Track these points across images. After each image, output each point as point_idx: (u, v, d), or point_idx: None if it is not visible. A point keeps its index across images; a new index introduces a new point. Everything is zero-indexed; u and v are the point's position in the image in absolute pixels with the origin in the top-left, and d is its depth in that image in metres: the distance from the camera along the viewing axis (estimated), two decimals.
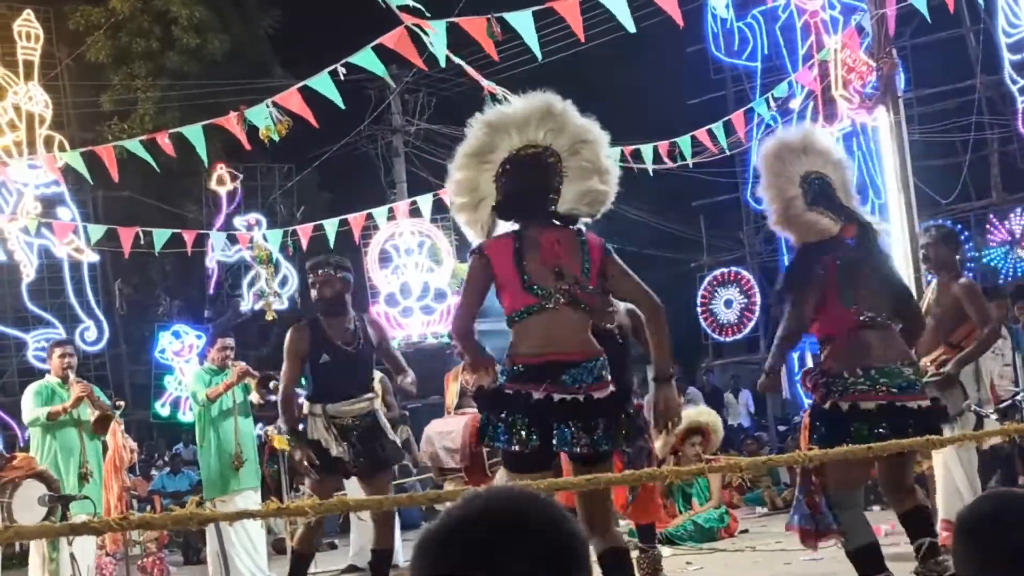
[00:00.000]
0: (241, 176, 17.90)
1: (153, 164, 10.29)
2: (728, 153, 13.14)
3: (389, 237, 17.35)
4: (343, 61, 8.77)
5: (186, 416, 17.34)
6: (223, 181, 17.42)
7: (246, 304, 18.46)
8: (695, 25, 17.06)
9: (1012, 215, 19.10)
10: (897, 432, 5.05)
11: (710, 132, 12.18)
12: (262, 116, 9.41)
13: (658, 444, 7.26)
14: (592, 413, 4.79)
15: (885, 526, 7.66)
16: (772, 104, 12.72)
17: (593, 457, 4.83)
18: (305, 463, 6.63)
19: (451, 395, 9.41)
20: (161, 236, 12.91)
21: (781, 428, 19.16)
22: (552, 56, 11.61)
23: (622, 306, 6.74)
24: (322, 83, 8.95)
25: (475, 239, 5.27)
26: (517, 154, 5.07)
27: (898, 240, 9.84)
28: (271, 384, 8.41)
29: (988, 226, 19.49)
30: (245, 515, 3.47)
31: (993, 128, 19.48)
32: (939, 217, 15.47)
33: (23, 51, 16.47)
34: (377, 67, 8.78)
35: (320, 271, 6.83)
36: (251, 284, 18.13)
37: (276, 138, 9.44)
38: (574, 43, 11.39)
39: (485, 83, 9.89)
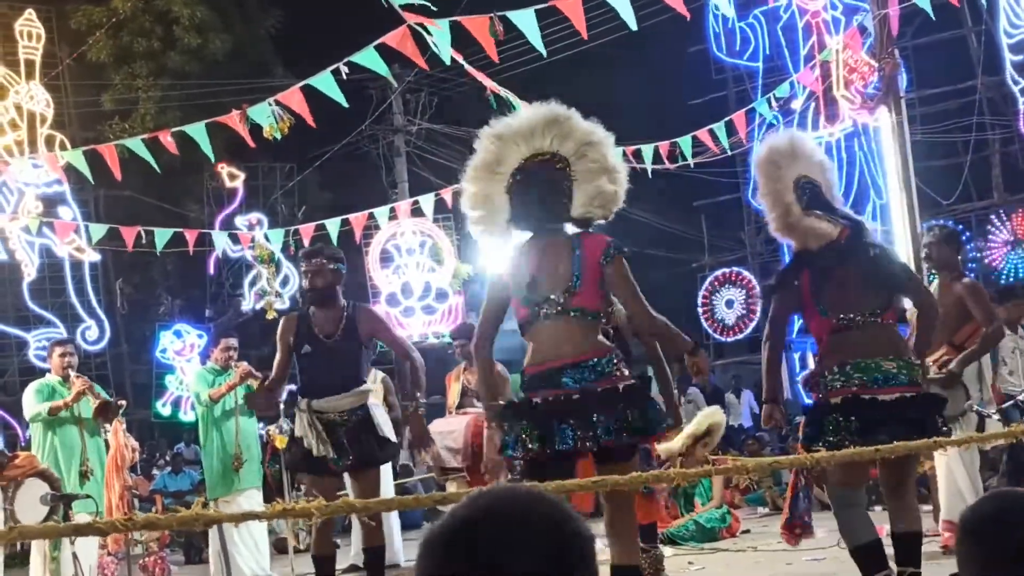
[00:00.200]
0: (243, 175, 17.89)
1: (154, 164, 10.28)
2: (730, 153, 13.13)
3: (390, 237, 17.33)
4: (346, 60, 8.76)
5: (187, 416, 17.35)
6: (227, 179, 17.41)
7: (247, 304, 18.46)
8: (697, 25, 17.05)
9: (1014, 215, 19.10)
10: (868, 425, 5.10)
11: (712, 132, 12.17)
12: (264, 114, 9.40)
13: (675, 445, 7.20)
14: (589, 408, 4.79)
15: (888, 526, 7.65)
16: (774, 104, 12.71)
17: (604, 454, 4.84)
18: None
19: (452, 395, 9.42)
20: (163, 235, 12.91)
21: (782, 429, 19.14)
22: (555, 56, 11.61)
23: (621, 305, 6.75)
24: (324, 82, 8.94)
25: (498, 248, 5.36)
26: (526, 163, 5.13)
27: (900, 240, 9.84)
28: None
29: (989, 226, 19.49)
30: (250, 516, 3.46)
31: (994, 129, 19.51)
32: (940, 217, 15.46)
33: (24, 50, 16.48)
34: (380, 66, 8.77)
35: (313, 260, 6.77)
36: (252, 283, 18.12)
37: (279, 136, 9.43)
38: (576, 43, 11.42)
39: (488, 83, 9.88)
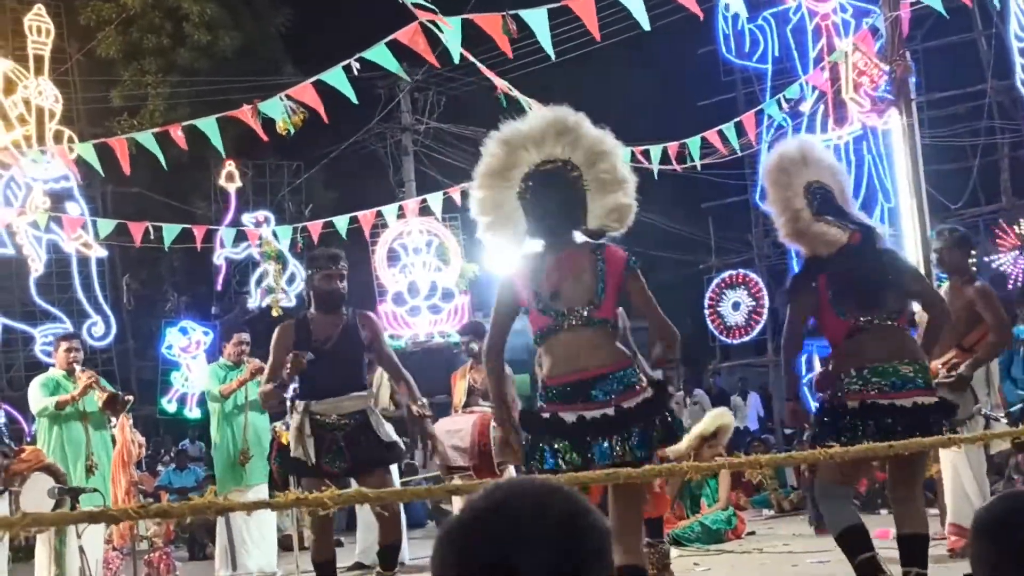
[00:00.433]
0: (250, 173, 17.91)
1: (162, 160, 10.28)
2: (740, 154, 13.11)
3: (397, 236, 17.33)
4: (356, 56, 8.75)
5: (192, 412, 17.37)
6: (232, 178, 17.41)
7: (254, 301, 18.47)
8: (706, 27, 17.01)
9: (1022, 220, 19.07)
10: (883, 431, 5.10)
11: (720, 133, 12.15)
12: (276, 109, 9.40)
13: (682, 446, 7.26)
14: (625, 423, 4.85)
15: (894, 529, 7.63)
16: (783, 106, 12.69)
17: (626, 463, 4.85)
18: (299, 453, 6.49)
19: (458, 394, 9.42)
20: (171, 232, 12.94)
21: (787, 432, 19.14)
22: (565, 55, 11.59)
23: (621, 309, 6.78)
24: (335, 77, 8.93)
25: (510, 254, 5.38)
26: (537, 170, 5.13)
27: (909, 244, 9.81)
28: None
29: (997, 231, 19.46)
30: (263, 505, 3.45)
31: (1004, 133, 19.48)
32: (949, 221, 15.43)
33: (33, 45, 16.47)
34: (390, 63, 8.76)
35: (340, 263, 6.76)
36: (259, 281, 18.13)
37: (292, 130, 9.42)
38: (587, 43, 11.40)
39: (499, 82, 9.87)
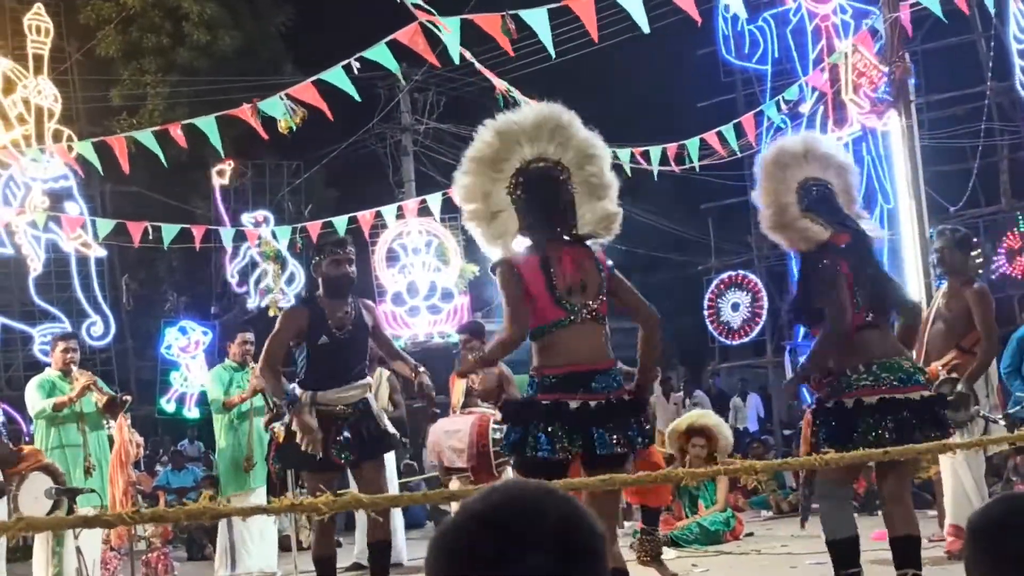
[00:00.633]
0: (249, 173, 17.90)
1: (162, 158, 10.27)
2: (739, 155, 13.11)
3: (396, 236, 17.33)
4: (357, 55, 8.75)
5: (191, 412, 17.36)
6: (222, 175, 17.41)
7: (253, 301, 18.46)
8: (706, 28, 17.01)
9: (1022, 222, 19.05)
10: (899, 425, 5.12)
11: (720, 134, 12.15)
12: (277, 108, 9.39)
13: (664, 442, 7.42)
14: (624, 412, 5.00)
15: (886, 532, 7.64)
16: (783, 107, 12.69)
17: (598, 460, 4.92)
18: (308, 447, 6.34)
19: (457, 394, 9.40)
20: (170, 231, 12.92)
21: (786, 432, 19.15)
22: (564, 56, 11.59)
23: None
24: (335, 76, 8.93)
25: (489, 248, 5.33)
26: (529, 168, 5.15)
27: (908, 246, 9.82)
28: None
29: (997, 233, 19.43)
30: (258, 510, 3.46)
31: (1003, 134, 19.45)
32: (948, 223, 15.41)
33: (33, 45, 16.47)
34: (390, 63, 8.76)
35: (347, 248, 6.73)
36: (258, 281, 18.12)
37: (294, 128, 9.41)
38: (586, 43, 11.39)
39: (498, 82, 9.86)
